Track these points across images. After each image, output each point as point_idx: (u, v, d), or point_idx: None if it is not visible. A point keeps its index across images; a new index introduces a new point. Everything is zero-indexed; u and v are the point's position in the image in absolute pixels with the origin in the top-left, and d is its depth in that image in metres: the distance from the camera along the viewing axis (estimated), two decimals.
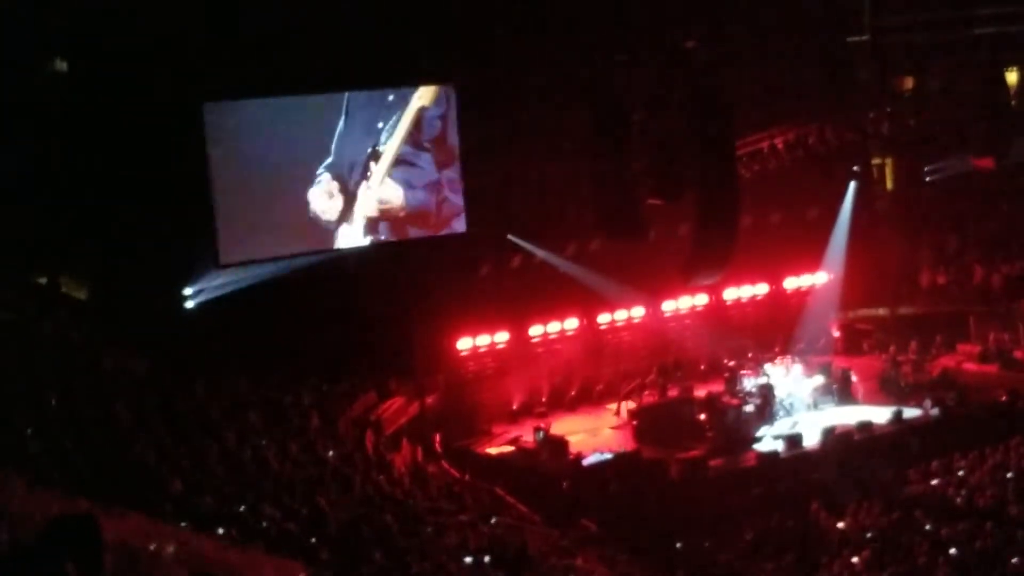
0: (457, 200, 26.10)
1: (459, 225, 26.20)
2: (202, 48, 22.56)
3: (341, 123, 24.67)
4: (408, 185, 25.62)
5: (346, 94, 24.78)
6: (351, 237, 25.15)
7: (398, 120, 25.35)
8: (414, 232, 25.90)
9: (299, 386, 23.16)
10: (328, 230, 24.90)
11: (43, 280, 23.55)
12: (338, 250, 25.04)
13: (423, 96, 25.57)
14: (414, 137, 25.53)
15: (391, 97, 25.34)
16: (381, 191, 25.31)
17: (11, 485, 12.70)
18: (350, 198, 24.97)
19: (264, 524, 16.29)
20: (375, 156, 25.17)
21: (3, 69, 22.29)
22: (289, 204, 24.37)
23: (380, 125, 25.20)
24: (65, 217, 22.28)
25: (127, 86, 22.40)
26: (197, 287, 23.72)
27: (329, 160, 24.62)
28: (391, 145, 25.28)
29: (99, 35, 22.45)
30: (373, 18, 24.30)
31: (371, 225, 25.30)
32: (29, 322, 21.28)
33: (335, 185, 24.74)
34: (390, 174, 25.34)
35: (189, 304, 23.79)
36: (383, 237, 25.55)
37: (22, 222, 21.82)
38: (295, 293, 24.16)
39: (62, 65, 23.85)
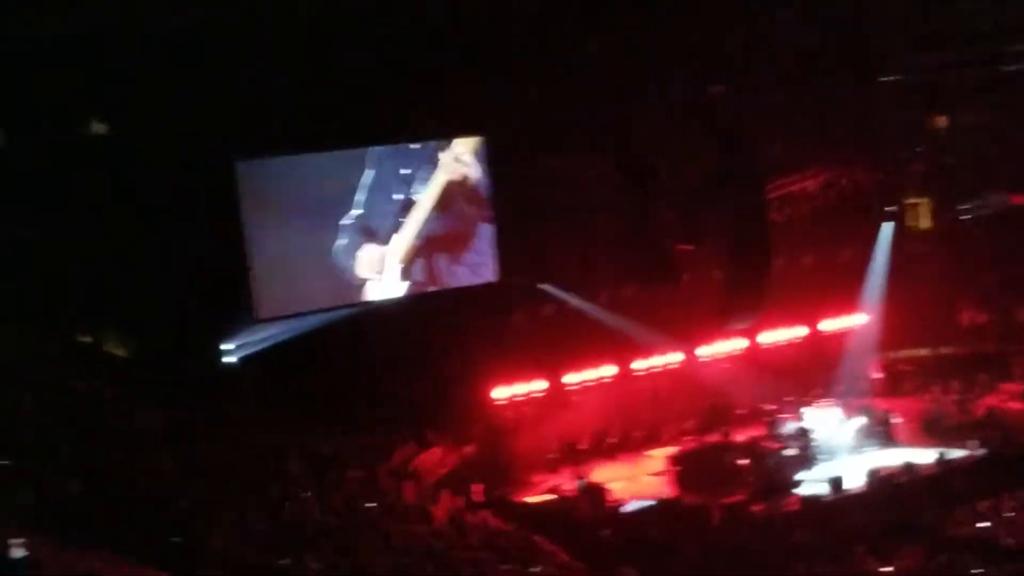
0: (490, 247, 26.15)
1: (490, 273, 26.20)
2: (234, 107, 22.75)
3: (370, 176, 24.78)
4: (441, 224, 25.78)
5: (374, 148, 24.90)
6: (384, 288, 25.16)
7: (430, 170, 25.43)
8: (445, 267, 25.84)
9: (338, 438, 23.18)
10: (359, 284, 24.92)
11: (87, 339, 23.73)
12: (372, 302, 25.07)
13: (459, 146, 25.67)
14: (454, 183, 25.61)
15: (417, 147, 25.42)
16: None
17: (46, 545, 12.81)
18: (380, 249, 25.02)
19: None
20: (408, 205, 25.25)
21: (42, 131, 22.63)
22: (321, 258, 24.46)
23: (407, 172, 25.27)
24: (106, 276, 22.45)
25: (162, 146, 22.61)
26: (235, 342, 23.81)
27: (357, 213, 24.72)
28: (426, 196, 25.36)
29: (135, 97, 22.68)
30: (401, 73, 24.47)
31: (405, 271, 25.33)
32: (67, 380, 21.47)
33: (362, 238, 24.80)
34: (423, 223, 25.40)
35: (228, 359, 23.87)
36: (419, 279, 25.50)
37: (65, 282, 22.04)
38: (332, 345, 24.23)
39: (100, 127, 24.14)
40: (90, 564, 13.80)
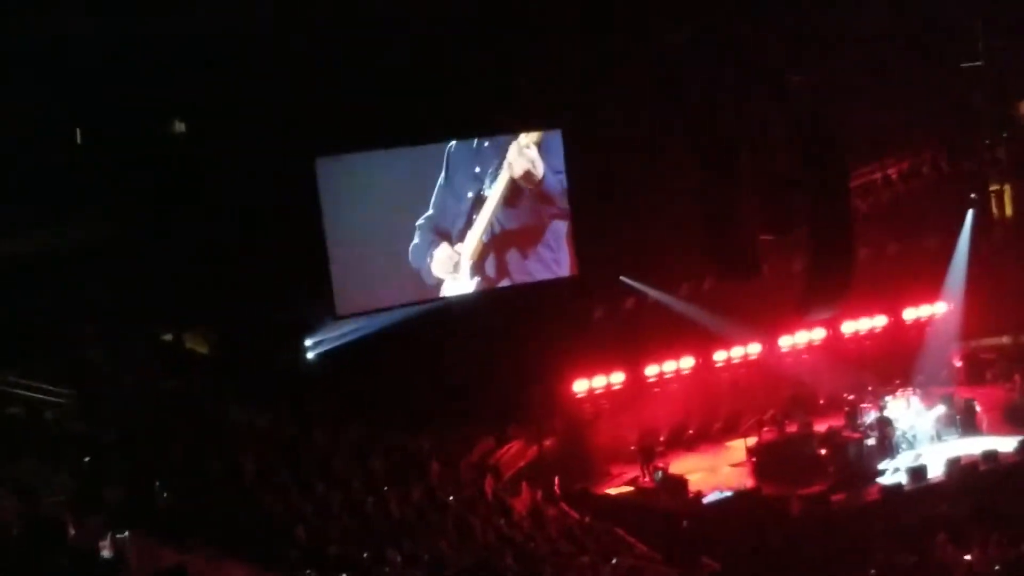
0: (564, 242, 26.25)
1: (566, 267, 26.31)
2: (314, 104, 23.06)
3: (442, 176, 25.02)
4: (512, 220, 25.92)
5: (447, 145, 25.11)
6: (459, 286, 25.40)
7: (499, 166, 25.60)
8: (518, 263, 25.98)
9: (419, 433, 23.44)
10: (435, 283, 25.17)
11: (168, 337, 24.17)
12: (450, 298, 25.29)
13: (524, 139, 25.80)
14: (516, 183, 25.73)
15: (487, 144, 25.57)
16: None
17: (134, 540, 13.12)
18: (454, 249, 25.23)
19: (387, 570, 16.54)
20: (479, 202, 25.44)
21: (126, 131, 23.09)
22: (399, 256, 24.72)
23: (477, 170, 25.46)
24: (187, 275, 22.86)
25: (242, 144, 22.97)
26: (316, 338, 24.17)
27: (429, 213, 24.95)
28: (493, 191, 25.53)
29: (216, 95, 23.06)
30: (479, 65, 24.66)
31: (477, 266, 25.52)
32: (156, 379, 21.92)
33: (436, 238, 25.02)
34: (494, 220, 25.55)
35: (309, 356, 24.24)
36: (490, 275, 25.68)
37: (147, 281, 22.47)
38: (412, 341, 24.52)
39: (180, 126, 24.57)
40: (177, 558, 14.13)
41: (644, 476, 25.30)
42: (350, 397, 23.50)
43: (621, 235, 26.97)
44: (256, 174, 22.90)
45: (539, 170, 25.93)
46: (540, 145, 25.95)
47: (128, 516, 14.98)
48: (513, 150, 25.72)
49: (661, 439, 27.27)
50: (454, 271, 25.27)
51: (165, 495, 16.81)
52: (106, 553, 12.82)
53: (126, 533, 14.18)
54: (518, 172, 25.75)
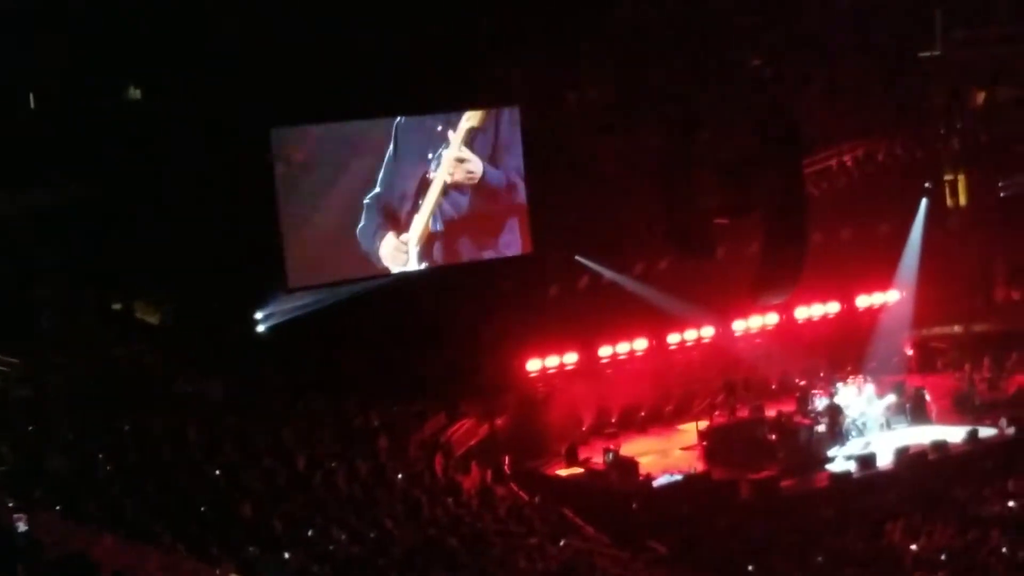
0: (514, 229, 26.08)
1: (516, 249, 26.15)
2: (269, 74, 22.80)
3: (390, 150, 24.72)
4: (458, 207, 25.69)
5: (395, 120, 24.79)
6: (407, 268, 25.18)
7: (446, 147, 25.33)
8: (466, 247, 25.77)
9: (369, 408, 23.29)
10: (384, 266, 24.94)
11: (118, 306, 23.88)
12: (405, 273, 25.07)
13: (471, 119, 25.51)
14: (459, 170, 25.49)
15: (439, 127, 25.26)
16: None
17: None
18: (401, 238, 24.98)
19: (332, 548, 16.40)
20: (425, 185, 25.16)
21: (80, 97, 22.76)
22: (350, 231, 24.46)
23: (430, 156, 25.14)
24: (138, 243, 22.58)
25: (197, 112, 22.70)
26: (267, 311, 23.93)
27: (376, 191, 24.67)
28: (438, 180, 25.26)
29: (171, 63, 22.78)
30: (436, 38, 24.44)
31: (426, 252, 25.29)
32: (105, 347, 21.66)
33: (383, 221, 24.71)
34: (441, 204, 25.31)
35: (260, 328, 24.01)
36: (439, 261, 25.46)
37: (96, 249, 22.17)
38: (364, 316, 24.33)
39: (135, 93, 24.25)
40: (85, 542, 13.71)
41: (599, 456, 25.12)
42: (300, 371, 23.31)
43: (577, 213, 26.86)
44: (211, 143, 22.63)
45: (478, 169, 25.64)
46: (485, 130, 25.59)
47: (67, 488, 14.77)
48: (447, 160, 25.27)
49: (613, 420, 27.24)
50: (403, 260, 25.00)
51: (108, 467, 16.60)
52: (22, 527, 12.53)
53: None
54: (459, 178, 25.50)
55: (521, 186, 26.07)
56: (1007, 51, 29.16)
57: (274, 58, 22.82)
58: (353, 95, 24.01)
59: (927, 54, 29.34)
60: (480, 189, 25.76)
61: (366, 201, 24.56)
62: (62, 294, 21.74)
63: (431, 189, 25.15)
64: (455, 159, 25.28)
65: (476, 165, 25.58)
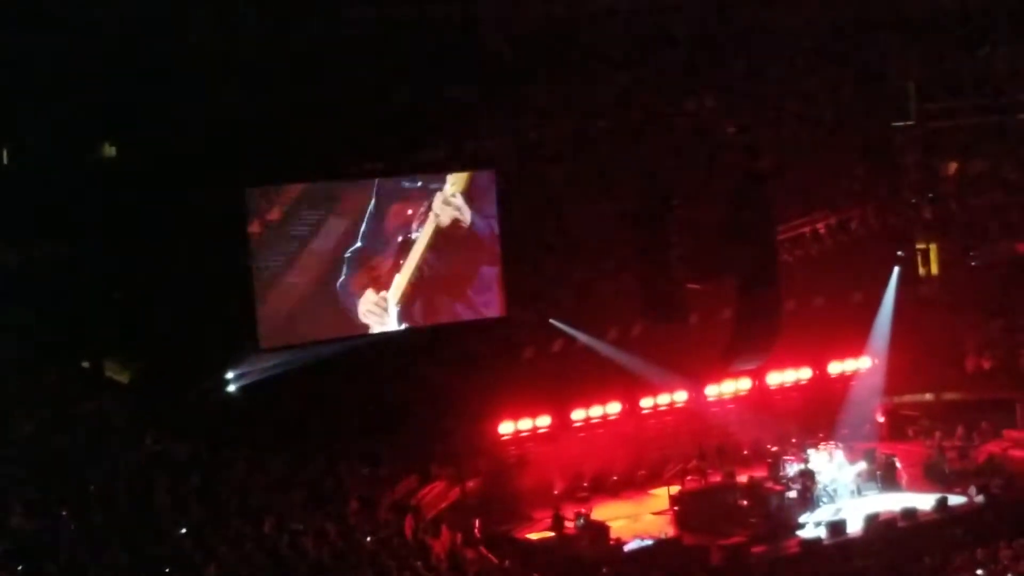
0: (493, 285, 26.12)
1: (495, 309, 26.17)
2: (245, 134, 22.86)
3: (372, 205, 24.77)
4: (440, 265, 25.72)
5: (376, 180, 24.90)
6: (385, 325, 25.15)
7: (428, 209, 25.41)
8: (447, 306, 25.80)
9: (340, 470, 23.16)
10: (362, 322, 24.92)
11: (86, 364, 23.76)
12: (379, 334, 25.05)
13: (455, 183, 25.63)
14: (447, 227, 25.56)
15: (419, 184, 25.36)
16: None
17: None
18: (381, 295, 24.98)
19: None
20: (406, 246, 25.20)
21: (49, 152, 22.74)
22: (326, 288, 24.46)
23: (409, 212, 25.23)
24: (109, 301, 22.49)
25: (171, 171, 22.71)
26: (239, 371, 23.83)
27: (357, 246, 24.71)
28: (422, 236, 25.31)
29: (145, 122, 22.81)
30: (415, 102, 24.58)
31: (405, 311, 25.31)
32: (72, 405, 21.50)
33: (365, 279, 24.75)
34: (422, 264, 25.35)
35: (231, 388, 23.90)
36: (419, 320, 25.42)
37: (67, 307, 22.07)
38: (337, 377, 24.27)
39: (110, 150, 24.26)
40: None
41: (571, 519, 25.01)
42: (271, 431, 23.18)
43: (552, 277, 26.97)
44: (184, 200, 22.60)
45: (466, 217, 25.76)
46: (468, 190, 25.74)
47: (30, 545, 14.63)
48: (438, 200, 25.42)
49: (585, 484, 27.17)
50: (381, 316, 25.00)
51: (72, 526, 16.45)
52: None
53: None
54: (445, 222, 25.57)
55: (497, 251, 26.14)
56: (980, 122, 29.49)
57: (251, 117, 22.89)
58: (333, 155, 24.12)
59: (901, 124, 29.65)
60: (468, 238, 25.82)
61: (347, 255, 24.57)
62: (28, 351, 21.58)
63: (413, 250, 25.21)
64: (444, 202, 25.40)
65: (466, 213, 25.69)
